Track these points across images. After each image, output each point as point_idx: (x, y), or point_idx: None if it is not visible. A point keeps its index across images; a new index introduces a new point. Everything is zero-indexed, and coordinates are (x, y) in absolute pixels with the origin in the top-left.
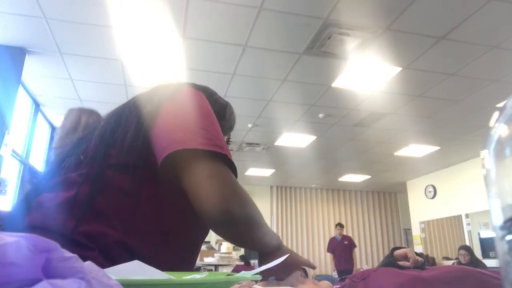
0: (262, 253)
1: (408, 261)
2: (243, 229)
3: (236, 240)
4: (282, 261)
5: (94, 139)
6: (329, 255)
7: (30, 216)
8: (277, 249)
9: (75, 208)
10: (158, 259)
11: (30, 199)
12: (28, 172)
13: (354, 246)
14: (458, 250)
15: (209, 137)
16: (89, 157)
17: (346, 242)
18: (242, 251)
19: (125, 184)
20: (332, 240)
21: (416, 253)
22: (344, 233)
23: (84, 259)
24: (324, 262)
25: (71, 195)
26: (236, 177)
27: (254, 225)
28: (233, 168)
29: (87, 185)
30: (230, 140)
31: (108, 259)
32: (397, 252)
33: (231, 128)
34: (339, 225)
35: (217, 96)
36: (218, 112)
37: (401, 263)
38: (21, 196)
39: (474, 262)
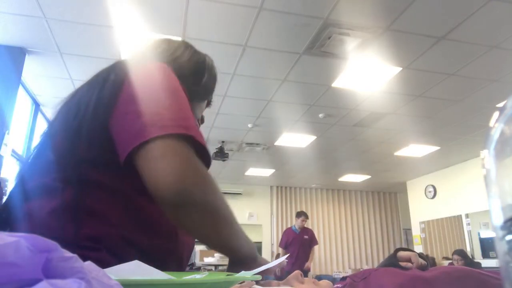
0: (233, 260)
1: (412, 264)
2: (205, 218)
3: (196, 231)
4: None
5: (59, 133)
6: (281, 251)
7: (20, 228)
8: (252, 260)
9: (68, 214)
10: (161, 248)
11: (12, 208)
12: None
13: (315, 243)
14: (452, 255)
15: (172, 118)
16: (60, 157)
17: (306, 237)
18: None
19: (106, 181)
20: (288, 232)
21: (419, 255)
22: (344, 233)
23: (95, 261)
24: (324, 262)
25: (58, 203)
26: (209, 163)
27: (220, 218)
28: (203, 152)
29: (70, 191)
30: (211, 102)
31: (116, 257)
32: (401, 254)
33: (212, 84)
34: (303, 214)
35: (195, 49)
36: (197, 64)
37: (403, 264)
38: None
39: (469, 266)
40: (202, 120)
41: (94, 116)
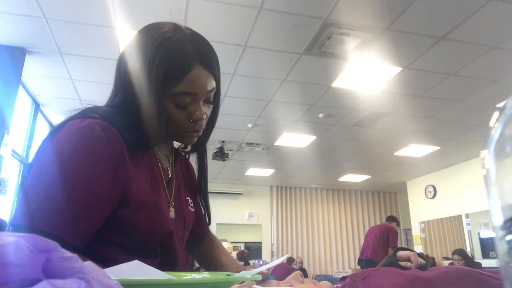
0: None
1: (411, 264)
2: None
3: None
4: None
5: None
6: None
7: None
8: None
9: None
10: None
11: None
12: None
13: None
14: (452, 254)
15: (26, 208)
16: None
17: None
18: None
19: None
20: None
21: (419, 254)
22: (344, 233)
23: None
24: (324, 262)
25: None
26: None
27: None
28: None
29: None
30: (189, 92)
31: None
32: (400, 253)
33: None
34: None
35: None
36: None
37: (403, 263)
38: None
39: (469, 265)
40: (193, 119)
41: None
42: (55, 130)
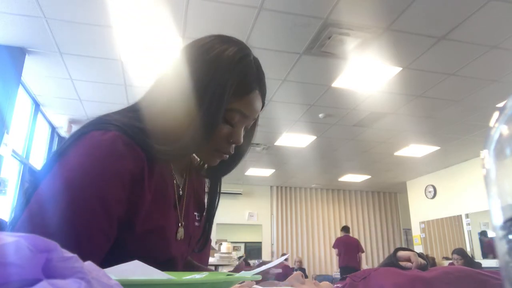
0: None
1: (411, 264)
2: None
3: None
4: None
5: None
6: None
7: None
8: None
9: None
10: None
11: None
12: (28, 172)
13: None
14: (452, 254)
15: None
16: None
17: None
18: (242, 251)
19: None
20: None
21: (419, 254)
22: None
23: None
24: (324, 262)
25: None
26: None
27: None
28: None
29: None
30: (242, 112)
31: None
32: (401, 253)
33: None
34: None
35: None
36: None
37: (403, 263)
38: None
39: (469, 265)
40: (232, 142)
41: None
42: (74, 140)
